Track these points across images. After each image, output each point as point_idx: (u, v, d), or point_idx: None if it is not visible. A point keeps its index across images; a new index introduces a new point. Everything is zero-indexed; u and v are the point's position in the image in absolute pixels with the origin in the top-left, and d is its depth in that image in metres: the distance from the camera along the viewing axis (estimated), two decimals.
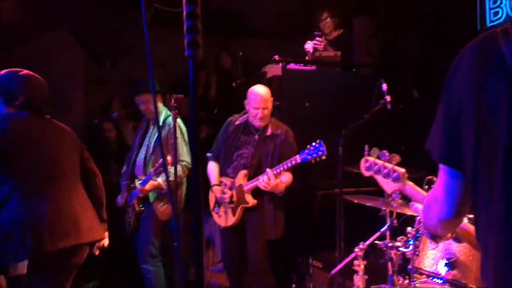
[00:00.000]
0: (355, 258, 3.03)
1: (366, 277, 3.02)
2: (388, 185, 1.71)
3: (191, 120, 1.13)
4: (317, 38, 4.33)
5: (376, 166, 1.72)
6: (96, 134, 5.25)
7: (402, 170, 1.68)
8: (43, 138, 2.61)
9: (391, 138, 3.79)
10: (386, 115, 3.53)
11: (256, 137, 3.59)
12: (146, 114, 4.02)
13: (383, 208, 3.09)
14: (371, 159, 1.75)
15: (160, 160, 3.65)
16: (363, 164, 1.77)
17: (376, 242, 2.92)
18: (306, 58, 4.40)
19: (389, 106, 3.40)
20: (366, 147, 1.82)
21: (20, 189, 2.47)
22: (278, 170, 3.38)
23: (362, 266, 2.99)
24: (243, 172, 3.52)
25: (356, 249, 2.99)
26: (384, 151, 1.74)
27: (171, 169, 3.82)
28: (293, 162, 3.35)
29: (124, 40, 4.08)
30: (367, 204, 3.02)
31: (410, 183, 1.69)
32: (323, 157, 3.28)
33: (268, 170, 3.37)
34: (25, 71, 2.66)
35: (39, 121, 2.62)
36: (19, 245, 2.41)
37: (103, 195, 2.96)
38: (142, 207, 3.88)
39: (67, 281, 2.66)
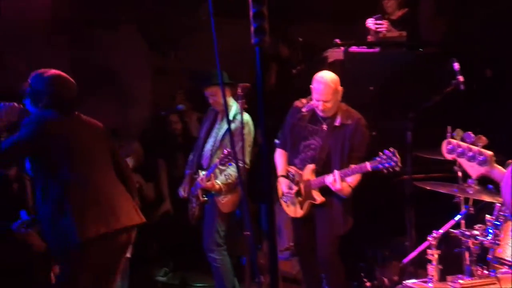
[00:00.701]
0: (428, 247, 2.90)
1: (440, 266, 2.89)
2: (473, 169, 1.61)
3: (260, 107, 1.10)
4: (378, 21, 4.14)
5: (460, 149, 1.62)
6: (162, 126, 5.38)
7: (490, 152, 1.58)
8: (73, 132, 2.70)
9: (463, 120, 3.57)
10: (457, 96, 3.33)
11: (324, 126, 3.42)
12: (214, 107, 4.00)
13: (458, 195, 2.93)
14: (454, 141, 1.66)
15: (225, 151, 3.65)
16: (445, 146, 1.68)
17: (451, 230, 2.78)
18: (368, 39, 4.23)
19: (462, 86, 3.20)
20: (449, 128, 1.72)
21: (59, 180, 2.60)
22: (346, 174, 3.21)
23: (436, 256, 2.86)
24: (311, 166, 3.40)
25: (430, 238, 2.86)
26: (469, 132, 1.64)
27: (229, 169, 3.82)
28: (363, 169, 3.16)
29: (186, 30, 4.14)
30: (440, 191, 2.87)
31: (498, 166, 1.57)
32: (397, 169, 3.06)
33: (335, 172, 3.21)
34: (52, 72, 2.74)
35: (68, 118, 2.72)
36: (66, 232, 2.53)
37: (135, 184, 3.07)
38: (205, 197, 3.93)
39: (114, 267, 2.78)
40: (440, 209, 3.29)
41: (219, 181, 3.82)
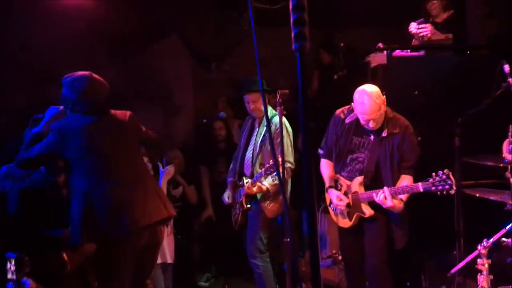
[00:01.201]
0: (478, 256, 2.79)
1: (491, 277, 2.76)
2: None
3: (301, 113, 1.09)
4: (421, 25, 4.03)
5: None
6: (204, 134, 5.46)
7: None
8: (101, 134, 2.80)
9: None
10: (508, 99, 3.19)
11: (371, 138, 3.29)
12: (252, 113, 4.03)
13: (510, 203, 2.81)
14: None
15: (271, 161, 3.65)
16: (506, 147, 1.60)
17: (503, 239, 2.66)
18: (413, 43, 4.13)
19: None
20: (511, 127, 1.64)
21: (90, 180, 2.72)
22: (396, 193, 3.09)
23: (487, 265, 2.75)
24: (359, 179, 3.28)
25: (479, 247, 2.75)
26: None
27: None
28: (414, 190, 3.03)
29: (227, 41, 4.21)
30: (491, 198, 2.76)
31: None
32: (451, 192, 2.91)
33: (385, 189, 3.08)
34: (78, 75, 2.83)
35: (97, 120, 2.81)
36: (98, 229, 2.64)
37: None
38: (249, 205, 3.95)
39: (144, 263, 2.87)
40: (490, 217, 3.15)
41: (266, 183, 3.83)
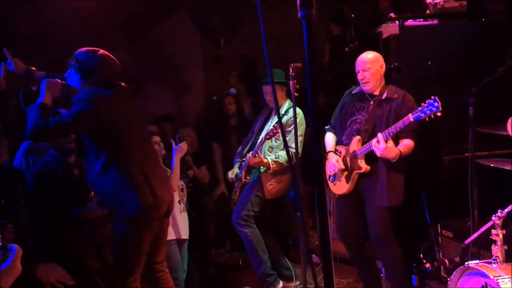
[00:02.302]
0: (492, 226, 2.77)
1: (506, 247, 2.75)
2: None
3: (308, 85, 1.07)
4: None
5: None
6: (215, 111, 5.45)
7: None
8: (121, 109, 2.81)
9: None
10: None
11: (371, 102, 3.42)
12: (269, 104, 4.11)
13: None
14: None
15: (272, 127, 3.69)
16: (510, 124, 1.57)
17: None
18: (427, 12, 4.03)
19: None
20: None
21: (115, 155, 2.75)
22: (390, 132, 3.16)
23: (501, 236, 2.73)
24: (357, 137, 3.38)
25: (494, 217, 2.73)
26: None
27: (281, 151, 3.85)
28: (406, 122, 3.10)
29: (236, 17, 4.16)
30: (506, 168, 2.72)
31: None
32: (438, 114, 2.99)
33: (378, 134, 3.18)
34: (102, 51, 2.84)
35: (115, 94, 2.82)
36: (128, 202, 2.71)
37: None
38: (248, 178, 4.00)
39: (162, 233, 3.00)
40: (505, 188, 3.12)
41: (268, 158, 3.86)
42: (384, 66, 3.44)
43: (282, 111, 3.93)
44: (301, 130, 3.84)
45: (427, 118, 3.02)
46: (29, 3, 5.11)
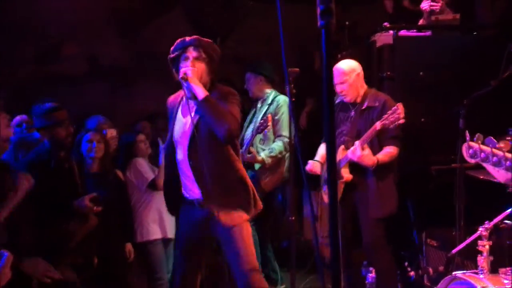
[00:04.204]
0: (479, 237, 2.81)
1: (491, 258, 2.79)
2: (499, 174, 1.54)
3: (325, 95, 1.08)
4: (432, 3, 3.98)
5: (482, 153, 1.55)
6: None
7: None
8: None
9: None
10: None
11: (352, 112, 3.48)
12: (249, 93, 4.20)
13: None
14: (475, 145, 1.59)
15: (261, 120, 3.73)
16: (465, 151, 1.61)
17: (506, 222, 2.69)
18: (420, 22, 4.09)
19: None
20: (467, 133, 1.66)
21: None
22: (364, 140, 3.26)
23: (487, 247, 2.77)
24: (341, 147, 3.43)
25: (481, 229, 2.77)
26: (490, 137, 1.57)
27: (274, 143, 3.89)
28: (374, 129, 3.21)
29: (232, 17, 4.17)
30: (495, 180, 2.76)
31: None
32: (401, 121, 3.11)
33: (355, 142, 3.27)
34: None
35: None
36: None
37: None
38: None
39: None
40: (490, 198, 3.18)
41: (262, 154, 3.88)
42: (361, 73, 3.47)
43: (269, 100, 3.99)
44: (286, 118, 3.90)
45: (391, 125, 3.13)
46: None
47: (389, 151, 3.33)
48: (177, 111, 2.87)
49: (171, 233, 4.21)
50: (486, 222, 2.78)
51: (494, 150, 1.54)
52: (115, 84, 5.41)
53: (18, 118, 4.07)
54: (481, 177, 2.90)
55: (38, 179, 3.00)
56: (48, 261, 2.81)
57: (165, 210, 4.13)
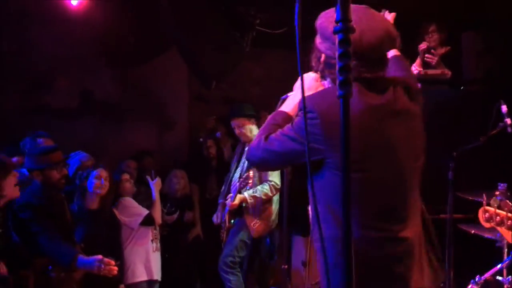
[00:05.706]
0: None
1: None
2: None
3: (344, 162, 1.11)
4: (428, 55, 4.12)
5: (498, 217, 1.60)
6: (197, 152, 5.44)
7: None
8: None
9: (508, 162, 3.51)
10: (504, 137, 3.27)
11: None
12: (240, 137, 4.18)
13: (499, 240, 2.86)
14: (491, 209, 1.64)
15: (246, 174, 3.74)
16: (481, 215, 1.66)
17: (498, 277, 2.71)
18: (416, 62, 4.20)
19: (510, 129, 3.15)
20: (484, 196, 1.71)
21: None
22: None
23: None
24: None
25: (472, 283, 2.79)
26: (507, 200, 1.62)
27: (260, 186, 3.90)
28: None
29: (228, 61, 4.25)
30: (485, 236, 2.81)
31: None
32: None
33: None
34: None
35: None
36: None
37: None
38: (232, 222, 4.00)
39: None
40: (480, 252, 3.20)
41: (245, 193, 3.87)
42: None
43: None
44: None
45: None
46: (15, 28, 5.06)
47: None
48: None
49: (157, 275, 4.13)
50: (477, 277, 2.80)
51: (509, 213, 1.59)
52: (105, 119, 5.40)
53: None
54: (473, 231, 2.93)
55: (34, 219, 2.91)
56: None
57: (151, 251, 4.07)
